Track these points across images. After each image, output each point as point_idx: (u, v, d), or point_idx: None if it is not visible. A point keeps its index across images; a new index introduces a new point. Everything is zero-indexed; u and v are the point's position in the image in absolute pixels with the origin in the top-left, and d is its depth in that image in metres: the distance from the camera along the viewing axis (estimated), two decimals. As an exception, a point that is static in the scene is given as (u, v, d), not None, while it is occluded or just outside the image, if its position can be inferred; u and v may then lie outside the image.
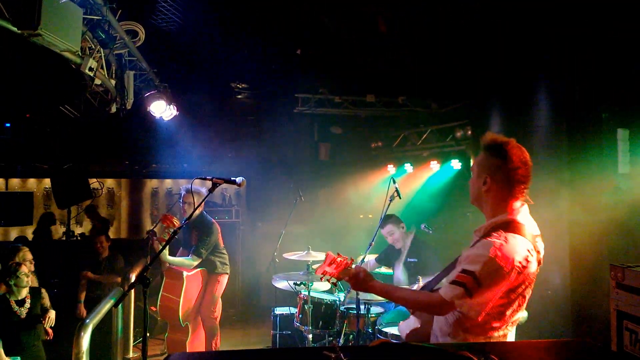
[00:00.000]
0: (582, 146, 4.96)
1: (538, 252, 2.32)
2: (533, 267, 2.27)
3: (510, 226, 2.25)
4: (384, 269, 5.92)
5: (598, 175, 4.81)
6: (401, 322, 2.94)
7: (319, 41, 6.53)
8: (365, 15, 5.84)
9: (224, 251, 5.66)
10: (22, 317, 4.64)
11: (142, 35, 5.24)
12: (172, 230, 4.89)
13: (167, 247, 4.92)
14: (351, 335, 5.02)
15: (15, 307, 4.63)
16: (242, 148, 8.90)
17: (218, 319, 5.59)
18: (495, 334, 2.30)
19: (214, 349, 5.48)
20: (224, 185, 3.12)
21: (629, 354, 2.58)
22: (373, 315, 5.06)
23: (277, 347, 5.46)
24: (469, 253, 2.28)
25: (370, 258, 5.57)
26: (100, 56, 4.71)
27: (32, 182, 9.40)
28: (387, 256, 5.66)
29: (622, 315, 2.59)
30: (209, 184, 3.20)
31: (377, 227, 5.07)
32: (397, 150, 9.05)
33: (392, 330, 4.51)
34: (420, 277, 4.21)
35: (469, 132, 7.30)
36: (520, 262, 2.19)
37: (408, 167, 8.56)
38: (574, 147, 4.98)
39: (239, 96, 8.40)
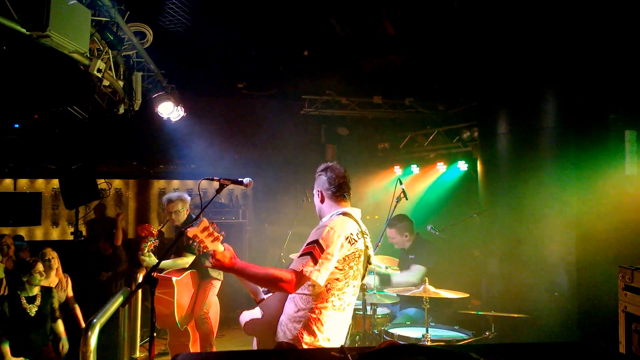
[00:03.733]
0: (589, 148, 4.93)
1: (367, 247, 2.92)
2: (361, 245, 2.85)
3: (345, 214, 2.90)
4: (390, 270, 5.92)
5: (605, 177, 4.78)
6: (245, 311, 3.09)
7: (326, 42, 6.53)
8: (373, 17, 5.84)
9: None
10: (31, 315, 4.67)
11: (150, 36, 5.27)
12: (152, 239, 4.86)
13: (153, 254, 4.91)
14: (357, 336, 5.01)
15: (26, 305, 4.67)
16: (249, 149, 8.92)
17: (213, 323, 5.50)
18: (329, 312, 2.74)
19: None
20: (231, 186, 3.11)
21: (637, 357, 2.57)
22: (379, 316, 5.05)
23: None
24: (312, 231, 2.79)
25: (380, 259, 5.58)
26: (109, 57, 4.74)
27: (40, 183, 9.46)
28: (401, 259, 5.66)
29: (630, 318, 2.57)
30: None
31: (383, 228, 5.08)
32: (404, 152, 9.03)
33: (399, 331, 4.51)
34: (427, 279, 4.20)
35: (476, 134, 7.27)
36: (351, 234, 2.79)
37: (415, 168, 8.53)
38: (581, 148, 4.96)
39: (246, 97, 8.41)
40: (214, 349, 5.50)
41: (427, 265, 5.22)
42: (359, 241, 2.85)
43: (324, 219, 2.95)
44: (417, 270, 5.21)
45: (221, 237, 2.65)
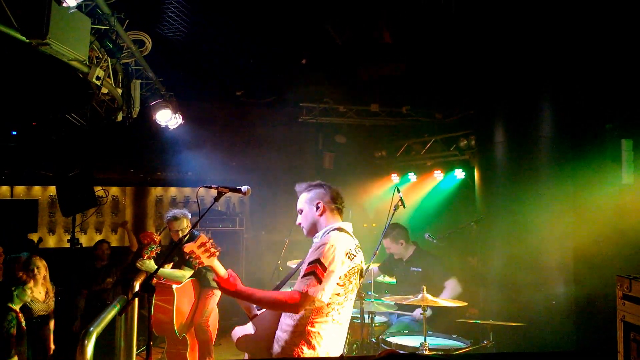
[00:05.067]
0: (586, 156, 4.96)
1: (362, 261, 2.92)
2: (358, 261, 2.85)
3: (340, 229, 2.88)
4: (387, 278, 5.92)
5: (602, 186, 4.79)
6: (237, 327, 3.13)
7: (324, 50, 6.56)
8: (370, 25, 5.87)
9: None
10: (24, 327, 4.63)
11: (148, 44, 5.28)
12: (154, 247, 4.85)
13: (153, 260, 4.89)
14: (355, 345, 4.99)
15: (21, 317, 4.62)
16: (247, 157, 8.92)
17: (212, 332, 5.48)
18: (329, 325, 2.75)
19: None
20: (229, 194, 3.09)
21: (635, 366, 2.56)
22: (377, 324, 5.04)
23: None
24: (311, 250, 2.81)
25: (373, 266, 5.57)
26: (107, 65, 4.74)
27: (37, 190, 9.42)
28: (390, 264, 5.67)
29: (629, 327, 2.56)
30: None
31: (381, 236, 5.07)
32: (401, 160, 9.04)
33: (397, 340, 4.50)
34: (424, 287, 4.19)
35: (473, 142, 7.29)
36: (350, 249, 2.80)
37: (412, 176, 8.55)
38: (578, 157, 4.98)
39: (244, 105, 8.42)
40: (213, 358, 5.48)
41: (454, 274, 5.26)
42: (358, 255, 2.87)
43: (320, 235, 2.92)
44: (454, 283, 5.19)
45: (217, 253, 2.68)
